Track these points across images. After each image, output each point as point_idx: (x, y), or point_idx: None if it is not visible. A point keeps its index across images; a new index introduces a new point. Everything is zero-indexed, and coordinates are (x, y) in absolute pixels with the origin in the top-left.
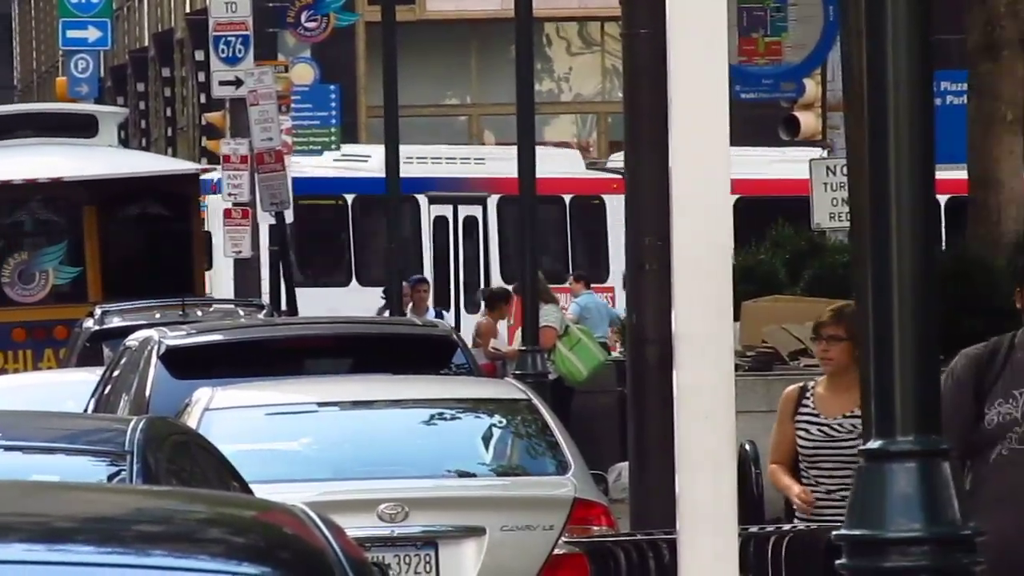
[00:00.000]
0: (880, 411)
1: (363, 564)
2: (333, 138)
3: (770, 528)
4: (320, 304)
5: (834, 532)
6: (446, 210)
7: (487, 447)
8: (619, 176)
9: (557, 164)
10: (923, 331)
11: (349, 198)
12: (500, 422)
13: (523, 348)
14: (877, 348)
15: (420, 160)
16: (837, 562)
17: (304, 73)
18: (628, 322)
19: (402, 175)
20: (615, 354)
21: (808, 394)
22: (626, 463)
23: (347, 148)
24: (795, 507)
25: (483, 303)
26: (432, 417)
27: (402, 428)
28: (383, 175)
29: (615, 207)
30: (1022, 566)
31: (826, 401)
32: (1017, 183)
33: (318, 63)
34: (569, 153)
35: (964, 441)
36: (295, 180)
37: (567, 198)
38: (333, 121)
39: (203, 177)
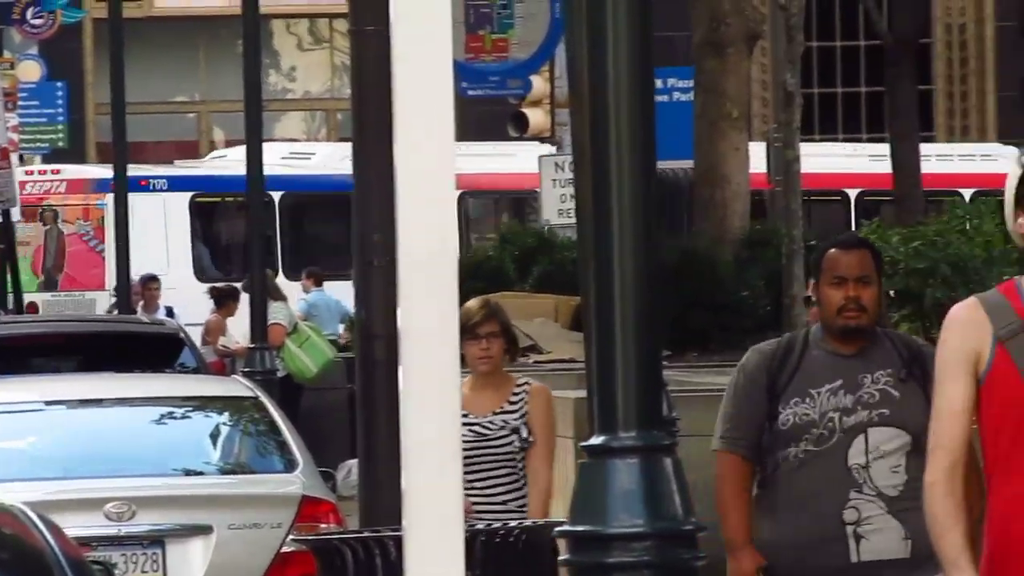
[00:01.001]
0: (602, 407)
1: (82, 564)
2: (60, 135)
3: (497, 525)
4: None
5: (556, 528)
6: None
7: (214, 445)
8: None
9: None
10: (645, 327)
11: (276, 196)
12: (227, 420)
13: (252, 345)
14: (600, 344)
15: None
16: (560, 558)
17: (31, 70)
18: (356, 318)
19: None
20: (345, 350)
21: None
22: (355, 460)
23: (294, 146)
24: None
25: (212, 301)
26: (160, 415)
27: (129, 426)
28: (324, 172)
29: None
30: (816, 571)
31: (473, 400)
32: (742, 179)
33: (45, 60)
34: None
35: (755, 440)
36: (226, 178)
37: None
38: (60, 118)
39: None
